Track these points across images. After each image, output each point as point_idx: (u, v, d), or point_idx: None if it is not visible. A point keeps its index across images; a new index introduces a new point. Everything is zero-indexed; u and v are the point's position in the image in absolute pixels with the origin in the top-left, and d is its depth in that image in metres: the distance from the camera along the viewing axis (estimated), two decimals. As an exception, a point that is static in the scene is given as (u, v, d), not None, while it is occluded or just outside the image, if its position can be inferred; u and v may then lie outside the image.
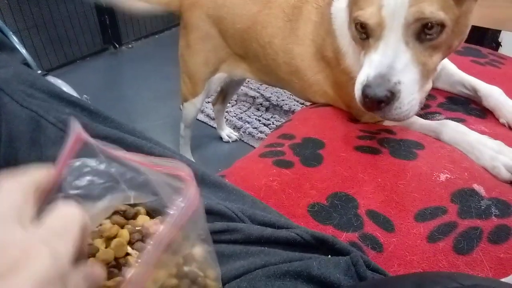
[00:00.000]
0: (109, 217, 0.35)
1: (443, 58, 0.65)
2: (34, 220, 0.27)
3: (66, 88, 1.27)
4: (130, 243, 0.34)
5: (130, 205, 0.36)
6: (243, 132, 1.72)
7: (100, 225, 0.34)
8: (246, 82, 1.90)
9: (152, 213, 0.37)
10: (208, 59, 1.12)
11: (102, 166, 0.34)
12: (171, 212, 0.28)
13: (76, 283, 0.26)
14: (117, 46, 2.43)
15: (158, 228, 0.28)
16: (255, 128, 1.71)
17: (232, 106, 1.86)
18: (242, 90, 1.91)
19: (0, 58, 0.58)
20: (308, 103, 1.00)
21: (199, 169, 0.56)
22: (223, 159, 1.61)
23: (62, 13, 2.14)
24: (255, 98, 1.89)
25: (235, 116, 1.79)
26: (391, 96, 0.59)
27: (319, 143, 0.75)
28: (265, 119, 1.76)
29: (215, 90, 1.33)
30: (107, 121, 0.57)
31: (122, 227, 0.34)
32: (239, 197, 0.56)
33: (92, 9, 2.28)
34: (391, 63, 0.60)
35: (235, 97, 1.88)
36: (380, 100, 0.60)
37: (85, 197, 0.33)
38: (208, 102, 1.83)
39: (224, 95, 1.55)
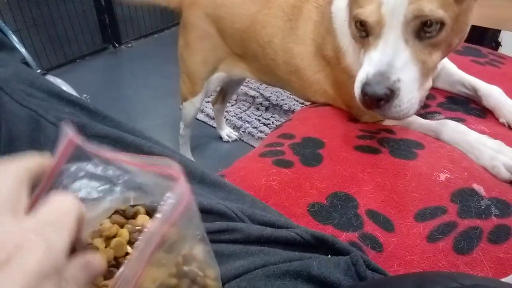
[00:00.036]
0: (108, 217, 0.35)
1: (443, 57, 0.65)
2: (28, 210, 0.26)
3: (65, 87, 1.27)
4: (130, 242, 0.33)
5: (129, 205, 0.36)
6: (243, 131, 1.72)
7: (100, 224, 0.34)
8: (246, 81, 1.90)
9: (151, 213, 0.37)
10: (206, 58, 1.12)
11: (98, 170, 0.34)
12: (161, 209, 0.28)
13: (73, 274, 0.25)
14: (117, 45, 2.43)
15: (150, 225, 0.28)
16: (255, 127, 1.71)
17: (232, 105, 1.86)
18: (242, 89, 1.91)
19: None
20: (307, 103, 1.00)
21: (199, 169, 0.56)
22: (223, 158, 1.61)
23: (62, 13, 2.14)
24: (255, 97, 1.89)
25: (235, 116, 1.79)
26: (391, 94, 0.59)
27: (319, 142, 0.75)
28: (265, 118, 1.76)
29: (214, 90, 1.33)
30: (106, 120, 0.57)
31: (121, 226, 0.34)
32: (239, 196, 0.56)
33: (92, 9, 2.28)
34: (391, 61, 0.59)
35: (234, 96, 1.88)
36: (379, 98, 0.60)
37: (83, 200, 0.33)
38: (208, 101, 1.83)
39: (223, 94, 1.55)
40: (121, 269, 0.25)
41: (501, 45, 1.59)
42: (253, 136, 1.68)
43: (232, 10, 1.01)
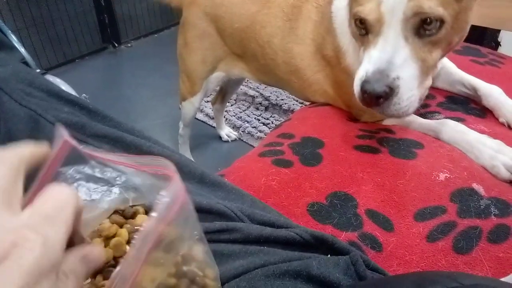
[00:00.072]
0: (108, 217, 0.35)
1: (443, 55, 0.65)
2: (23, 202, 0.25)
3: (65, 87, 1.27)
4: (129, 242, 0.33)
5: None
6: (242, 131, 1.72)
7: (99, 224, 0.34)
8: (246, 81, 1.90)
9: (151, 213, 0.37)
10: (205, 58, 1.12)
11: (96, 172, 0.34)
12: (157, 207, 0.28)
13: (71, 267, 0.25)
14: (116, 45, 2.43)
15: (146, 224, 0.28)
16: (255, 127, 1.71)
17: (232, 105, 1.86)
18: (241, 89, 1.91)
19: (-1, 57, 0.58)
20: (307, 103, 1.00)
21: (198, 168, 0.56)
22: (222, 158, 1.61)
23: (61, 12, 2.14)
24: (254, 97, 1.89)
25: (234, 116, 1.79)
26: (390, 92, 0.59)
27: (318, 142, 0.75)
28: (265, 118, 1.76)
29: (214, 89, 1.33)
30: (106, 120, 0.57)
31: (121, 226, 0.34)
32: (239, 196, 0.56)
33: (91, 8, 2.28)
34: (390, 59, 0.59)
35: (234, 96, 1.88)
36: (378, 96, 0.60)
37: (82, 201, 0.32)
38: (208, 101, 1.83)
39: (223, 94, 1.55)
40: (118, 268, 0.25)
41: (500, 45, 1.59)
42: (252, 135, 1.68)
43: (231, 10, 1.00)
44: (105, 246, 0.33)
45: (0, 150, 0.27)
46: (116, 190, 0.35)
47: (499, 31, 1.57)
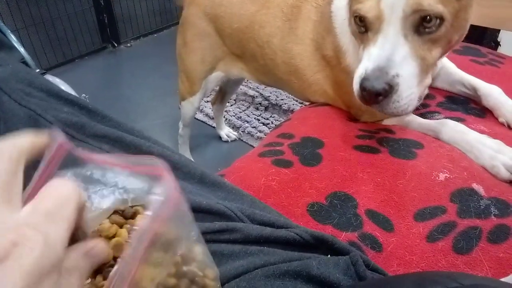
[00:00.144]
0: (108, 217, 0.35)
1: (443, 54, 0.65)
2: (23, 196, 0.24)
3: (64, 87, 1.27)
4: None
5: None
6: (242, 131, 1.72)
7: (99, 224, 0.34)
8: (245, 81, 1.90)
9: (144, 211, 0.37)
10: (204, 57, 1.12)
11: (94, 174, 0.34)
12: (150, 206, 0.28)
13: (75, 264, 0.25)
14: (116, 45, 2.43)
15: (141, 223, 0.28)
16: (254, 127, 1.71)
17: (231, 105, 1.86)
18: (241, 89, 1.91)
19: (-2, 57, 0.58)
20: (307, 103, 1.00)
21: (198, 169, 0.56)
22: (222, 158, 1.61)
23: (61, 12, 2.14)
24: (254, 97, 1.89)
25: (234, 116, 1.79)
26: (389, 89, 0.59)
27: (318, 142, 0.75)
28: (264, 118, 1.76)
29: (213, 89, 1.33)
30: (105, 120, 0.57)
31: (121, 226, 0.34)
32: (238, 196, 0.56)
33: (91, 8, 2.27)
34: (390, 56, 0.59)
35: (234, 96, 1.88)
36: (378, 93, 0.59)
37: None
38: (207, 101, 1.83)
39: (223, 94, 1.55)
40: (115, 267, 0.25)
41: (500, 45, 1.59)
42: (252, 135, 1.68)
43: (230, 10, 1.00)
44: (105, 247, 0.33)
45: None
46: (116, 191, 0.35)
47: (498, 31, 1.57)
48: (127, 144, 0.54)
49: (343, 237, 0.57)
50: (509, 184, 0.62)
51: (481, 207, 0.58)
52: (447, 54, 0.72)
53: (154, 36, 2.59)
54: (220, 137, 1.69)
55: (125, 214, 0.36)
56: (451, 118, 0.75)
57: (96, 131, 0.54)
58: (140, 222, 0.27)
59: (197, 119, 1.76)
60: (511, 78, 0.89)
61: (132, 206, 0.36)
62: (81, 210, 0.26)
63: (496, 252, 0.53)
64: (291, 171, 0.68)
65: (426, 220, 0.58)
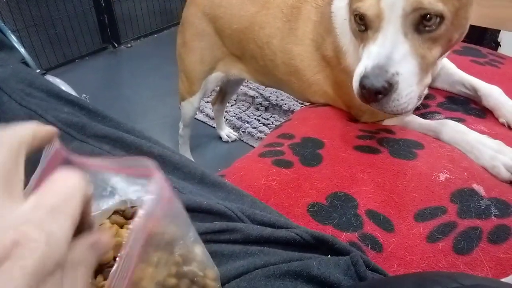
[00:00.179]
0: (108, 217, 0.35)
1: (443, 53, 0.65)
2: (24, 188, 0.23)
3: (64, 87, 1.27)
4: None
5: None
6: (242, 131, 1.72)
7: (100, 224, 0.34)
8: (246, 81, 1.90)
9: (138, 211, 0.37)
10: (203, 58, 1.12)
11: (95, 177, 0.34)
12: (143, 205, 0.28)
13: (81, 257, 0.24)
14: (116, 45, 2.43)
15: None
16: (255, 127, 1.71)
17: (232, 105, 1.86)
18: (241, 89, 1.91)
19: (-1, 57, 0.58)
20: (307, 103, 1.00)
21: (199, 169, 0.56)
22: (222, 158, 1.61)
23: (61, 13, 2.14)
24: (254, 97, 1.89)
25: (234, 116, 1.79)
26: (389, 87, 0.59)
27: (318, 142, 0.75)
28: (265, 118, 1.76)
29: (213, 90, 1.33)
30: (106, 120, 0.57)
31: (121, 227, 0.34)
32: (239, 196, 0.56)
33: (91, 9, 2.28)
34: (389, 54, 0.59)
35: (234, 96, 1.88)
36: (377, 91, 0.59)
37: None
38: (208, 101, 1.83)
39: (223, 94, 1.55)
40: (115, 267, 0.25)
41: (500, 45, 1.59)
42: (252, 136, 1.68)
43: (230, 11, 1.00)
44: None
45: None
46: (114, 193, 0.35)
47: (499, 31, 1.57)
48: (127, 144, 0.54)
49: (343, 238, 0.57)
50: (509, 185, 0.62)
51: (482, 207, 0.58)
52: (447, 53, 0.72)
53: (154, 37, 2.59)
54: (220, 138, 1.69)
55: (125, 214, 0.36)
56: (452, 119, 0.75)
57: (96, 132, 0.54)
58: (134, 221, 0.27)
59: (197, 119, 1.76)
60: (511, 78, 0.89)
61: (132, 207, 0.36)
62: (87, 201, 0.25)
63: (497, 252, 0.53)
64: (291, 172, 0.68)
65: (427, 220, 0.58)
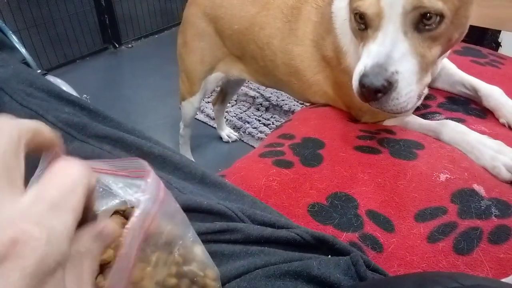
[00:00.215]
0: (108, 217, 0.35)
1: (443, 52, 0.65)
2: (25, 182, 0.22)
3: (65, 87, 1.27)
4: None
5: None
6: (243, 132, 1.72)
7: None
8: (246, 82, 1.91)
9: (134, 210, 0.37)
10: (204, 58, 1.12)
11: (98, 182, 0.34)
12: (138, 205, 0.28)
13: (87, 247, 0.23)
14: (117, 45, 2.43)
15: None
16: (255, 128, 1.71)
17: (232, 106, 1.86)
18: (242, 90, 1.91)
19: (0, 58, 0.58)
20: (307, 104, 1.00)
21: (199, 169, 0.56)
22: (223, 159, 1.61)
23: (62, 13, 2.15)
24: (255, 98, 1.89)
25: (235, 116, 1.79)
26: (388, 86, 0.59)
27: (319, 143, 0.75)
28: (265, 119, 1.76)
29: (214, 90, 1.33)
30: (106, 120, 0.57)
31: (122, 226, 0.34)
32: (239, 197, 0.56)
33: (92, 9, 2.28)
34: (389, 53, 0.59)
35: (235, 97, 1.88)
36: (377, 90, 0.59)
37: None
38: (208, 102, 1.83)
39: (224, 95, 1.55)
40: (114, 266, 0.25)
41: (501, 46, 1.59)
42: (253, 136, 1.68)
43: (230, 11, 1.01)
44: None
45: None
46: (114, 194, 0.35)
47: (499, 31, 1.57)
48: (128, 144, 0.54)
49: (343, 238, 0.57)
50: (510, 185, 0.62)
51: (482, 207, 0.58)
52: (448, 53, 0.72)
53: (155, 37, 2.59)
54: (221, 138, 1.69)
55: (126, 214, 0.36)
56: (452, 119, 0.75)
57: (97, 132, 0.54)
58: (130, 220, 0.27)
59: (198, 119, 1.77)
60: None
61: (132, 207, 0.36)
62: (91, 192, 0.24)
63: (497, 252, 0.53)
64: (291, 172, 0.68)
65: (427, 220, 0.58)
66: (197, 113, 1.52)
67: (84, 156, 0.35)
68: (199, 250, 0.36)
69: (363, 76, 0.61)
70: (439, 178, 0.63)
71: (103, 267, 0.31)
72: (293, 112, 1.75)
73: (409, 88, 0.60)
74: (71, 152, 0.30)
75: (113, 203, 0.35)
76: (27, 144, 0.23)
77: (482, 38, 1.58)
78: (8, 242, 0.18)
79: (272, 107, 1.84)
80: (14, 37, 1.13)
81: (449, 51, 0.73)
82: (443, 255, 0.54)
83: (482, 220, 0.56)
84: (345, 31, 0.78)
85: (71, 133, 0.53)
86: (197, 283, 0.35)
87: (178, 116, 1.42)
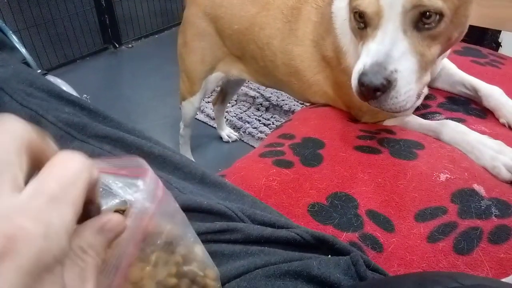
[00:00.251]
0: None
1: (442, 51, 0.65)
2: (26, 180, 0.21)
3: (65, 87, 1.27)
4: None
5: None
6: (243, 132, 1.72)
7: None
8: (246, 82, 1.91)
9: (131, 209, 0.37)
10: (204, 57, 1.12)
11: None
12: (136, 204, 0.28)
13: (90, 242, 0.23)
14: (117, 45, 2.43)
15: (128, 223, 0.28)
16: (255, 128, 1.71)
17: (232, 106, 1.86)
18: (242, 90, 1.91)
19: (0, 57, 0.58)
20: (307, 104, 1.00)
21: (199, 169, 0.56)
22: (223, 159, 1.61)
23: (62, 13, 2.15)
24: (255, 98, 1.89)
25: (235, 116, 1.79)
26: (387, 85, 0.59)
27: (319, 143, 0.75)
28: (265, 119, 1.76)
29: (214, 90, 1.33)
30: (106, 120, 0.57)
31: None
32: (239, 196, 0.56)
33: (92, 9, 2.28)
34: (388, 51, 0.59)
35: (235, 97, 1.88)
36: (376, 88, 0.59)
37: None
38: (208, 102, 1.84)
39: (224, 95, 1.55)
40: (108, 264, 0.25)
41: (501, 46, 1.59)
42: (253, 136, 1.68)
43: (231, 11, 1.01)
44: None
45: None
46: (113, 193, 0.35)
47: (499, 31, 1.57)
48: (128, 144, 0.54)
49: (343, 238, 0.57)
50: (510, 185, 0.62)
51: (482, 207, 0.58)
52: (447, 53, 0.72)
53: (155, 37, 2.59)
54: (221, 138, 1.69)
55: (125, 214, 0.36)
56: (452, 119, 0.75)
57: (97, 132, 0.54)
58: (128, 219, 0.27)
59: (198, 119, 1.77)
60: (512, 78, 0.89)
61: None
62: (94, 184, 0.23)
63: (497, 252, 0.53)
64: (292, 172, 0.68)
65: (427, 220, 0.58)
66: (197, 113, 1.52)
67: None
68: (199, 250, 0.36)
69: (362, 75, 0.61)
70: (439, 178, 0.63)
71: (104, 268, 0.31)
72: (293, 112, 1.75)
73: (408, 87, 0.60)
74: None
75: (113, 202, 0.35)
76: (29, 144, 0.22)
77: (482, 38, 1.58)
78: (4, 239, 0.18)
79: (272, 107, 1.84)
80: (14, 37, 1.13)
81: (449, 51, 0.73)
82: (443, 255, 0.54)
83: (482, 220, 0.56)
84: (345, 31, 0.78)
85: (71, 133, 0.53)
86: (197, 283, 0.35)
87: (178, 116, 1.42)
